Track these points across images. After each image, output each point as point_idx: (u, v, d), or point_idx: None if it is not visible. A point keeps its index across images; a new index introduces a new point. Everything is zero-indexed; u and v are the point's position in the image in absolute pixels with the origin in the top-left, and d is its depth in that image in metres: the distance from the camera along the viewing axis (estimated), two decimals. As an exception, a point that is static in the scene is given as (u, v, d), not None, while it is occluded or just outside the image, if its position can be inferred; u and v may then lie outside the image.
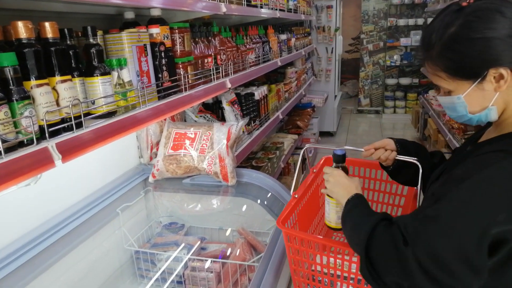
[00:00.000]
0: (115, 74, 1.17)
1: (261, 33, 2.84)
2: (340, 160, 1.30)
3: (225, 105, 2.34)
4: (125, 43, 1.21)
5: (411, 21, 7.37)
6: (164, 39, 1.46)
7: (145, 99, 1.27)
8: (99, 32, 1.22)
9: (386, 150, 1.34)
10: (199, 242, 1.99)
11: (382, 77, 7.87)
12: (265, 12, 2.63)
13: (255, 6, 2.45)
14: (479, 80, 0.90)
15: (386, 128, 7.20)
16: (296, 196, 1.56)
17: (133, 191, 2.05)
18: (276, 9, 3.02)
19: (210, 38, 1.93)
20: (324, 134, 6.49)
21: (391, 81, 7.77)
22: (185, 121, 2.42)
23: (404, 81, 7.64)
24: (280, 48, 3.31)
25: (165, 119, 2.16)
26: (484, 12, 0.88)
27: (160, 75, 1.41)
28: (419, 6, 7.36)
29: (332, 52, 6.28)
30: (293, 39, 3.88)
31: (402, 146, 1.33)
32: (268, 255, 1.57)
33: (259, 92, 2.74)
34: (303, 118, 4.54)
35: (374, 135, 6.74)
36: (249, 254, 1.83)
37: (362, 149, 1.38)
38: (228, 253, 1.87)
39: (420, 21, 7.32)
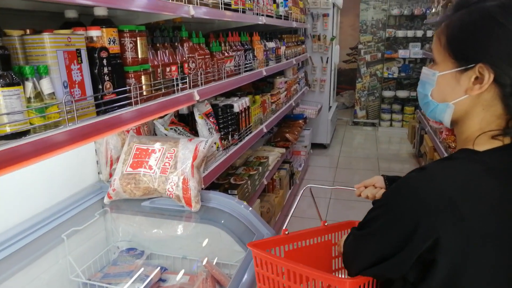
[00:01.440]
0: (29, 84, 0.94)
1: (244, 40, 2.63)
2: None
3: (197, 117, 2.12)
4: (47, 47, 0.99)
5: (410, 33, 7.19)
6: (109, 43, 1.23)
7: (74, 115, 1.05)
8: (16, 33, 1.00)
9: (375, 187, 1.27)
10: (158, 273, 1.76)
11: (379, 89, 7.67)
12: (247, 18, 2.42)
13: (236, 10, 2.24)
14: (463, 68, 0.83)
15: (381, 141, 6.99)
16: (287, 233, 1.34)
17: (86, 212, 1.83)
18: (262, 15, 2.81)
19: (176, 44, 1.71)
20: (317, 146, 6.27)
21: (388, 94, 7.57)
22: (154, 134, 2.20)
23: (402, 94, 7.44)
24: (266, 56, 3.10)
25: (127, 131, 1.94)
26: None
27: (100, 86, 1.19)
28: (418, 18, 7.19)
29: (327, 62, 6.08)
30: (283, 48, 3.67)
31: (392, 183, 1.24)
32: (231, 294, 1.35)
33: (239, 104, 2.52)
34: (293, 130, 4.32)
35: (369, 148, 6.53)
36: (210, 292, 1.60)
37: (354, 188, 1.34)
38: (188, 289, 1.64)
39: (419, 33, 7.14)
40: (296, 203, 1.44)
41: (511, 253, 0.77)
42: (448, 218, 0.75)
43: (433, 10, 5.42)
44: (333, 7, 5.94)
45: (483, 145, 0.83)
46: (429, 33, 6.96)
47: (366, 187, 1.30)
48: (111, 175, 1.95)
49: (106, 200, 1.83)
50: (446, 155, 3.59)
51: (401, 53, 7.24)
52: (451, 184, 0.77)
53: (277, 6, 3.32)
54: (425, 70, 0.93)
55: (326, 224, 1.44)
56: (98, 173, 2.00)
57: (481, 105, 0.84)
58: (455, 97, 0.86)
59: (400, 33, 7.24)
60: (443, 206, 0.75)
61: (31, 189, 1.63)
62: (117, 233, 1.96)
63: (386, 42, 7.43)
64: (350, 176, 5.22)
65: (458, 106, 0.86)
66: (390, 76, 7.48)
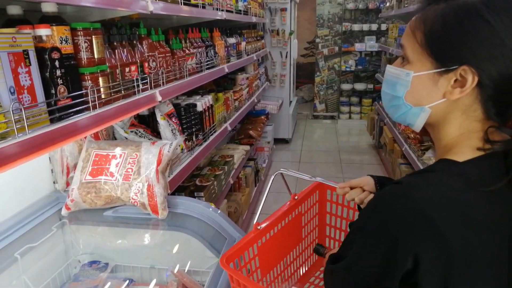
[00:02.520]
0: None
1: (204, 36, 2.54)
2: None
3: (159, 119, 2.01)
4: (-12, 49, 0.87)
5: (365, 26, 7.35)
6: (61, 43, 1.12)
7: (24, 124, 0.94)
8: (-50, 33, 0.87)
9: (364, 190, 1.14)
10: (124, 285, 1.66)
11: (338, 82, 7.80)
12: (207, 13, 2.33)
13: (195, 5, 2.15)
14: (443, 69, 0.75)
15: (341, 134, 7.11)
16: (260, 227, 1.28)
17: (42, 226, 1.68)
18: (222, 10, 2.73)
19: (135, 42, 1.60)
20: (280, 141, 6.28)
21: (346, 86, 7.71)
22: (114, 137, 2.07)
23: (359, 86, 7.60)
24: (228, 52, 3.02)
25: (85, 137, 1.80)
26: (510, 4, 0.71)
27: (53, 91, 1.08)
28: (372, 12, 7.35)
29: (286, 57, 6.08)
30: (243, 43, 3.60)
31: (383, 186, 1.12)
32: (205, 304, 1.28)
33: (202, 103, 2.43)
34: (256, 127, 4.28)
35: (330, 141, 6.62)
36: (183, 303, 1.52)
37: (337, 185, 1.22)
38: (158, 301, 1.56)
39: (374, 27, 7.31)
40: (267, 190, 1.38)
41: (498, 272, 0.72)
42: (427, 235, 0.69)
43: (387, 4, 5.55)
44: (291, 1, 5.94)
45: (465, 154, 0.77)
46: (384, 27, 7.13)
47: (352, 188, 1.16)
48: (68, 184, 1.81)
49: (63, 211, 1.69)
50: (405, 145, 3.69)
51: (358, 46, 7.38)
52: (429, 201, 0.70)
53: (236, 1, 3.25)
54: (392, 69, 0.84)
55: (296, 197, 1.42)
56: (54, 182, 1.85)
57: (460, 109, 0.78)
58: (431, 100, 0.78)
59: (356, 27, 7.38)
60: (421, 225, 0.69)
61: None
62: (77, 246, 1.83)
63: (343, 36, 7.55)
64: (312, 170, 5.26)
65: (434, 110, 0.79)
66: (347, 69, 7.62)
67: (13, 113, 0.91)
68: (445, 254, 0.69)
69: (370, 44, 7.29)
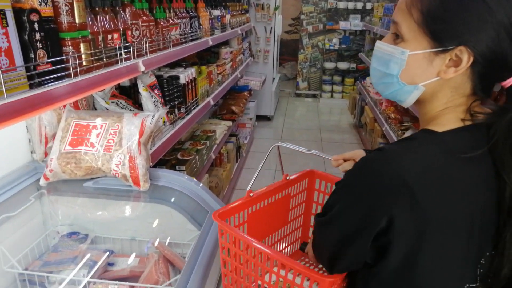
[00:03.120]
0: None
1: (189, 7, 2.47)
2: None
3: (141, 90, 1.97)
4: (-37, 7, 0.82)
5: (350, 5, 7.29)
6: (40, 4, 1.07)
7: (2, 88, 0.90)
8: None
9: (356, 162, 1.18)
10: (104, 257, 1.65)
11: (321, 61, 7.77)
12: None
13: (181, -27, 2.07)
14: (441, 49, 0.76)
15: (323, 112, 7.15)
16: (252, 195, 1.32)
17: (20, 196, 1.65)
18: (208, -20, 2.65)
19: (117, 8, 1.54)
20: (261, 118, 6.27)
21: (329, 65, 7.70)
22: (94, 108, 2.02)
23: (342, 65, 7.60)
24: (212, 25, 2.95)
25: (64, 106, 1.75)
26: None
27: (32, 55, 1.03)
28: (358, -10, 7.30)
29: (271, 32, 6.00)
30: (228, 16, 3.52)
31: None
32: (187, 276, 1.29)
33: (185, 75, 2.39)
34: (238, 103, 4.25)
35: (312, 119, 6.65)
36: (164, 274, 1.53)
37: (331, 158, 1.24)
38: (139, 272, 1.56)
39: (359, 5, 7.26)
40: (263, 161, 1.40)
41: (468, 235, 0.76)
42: (403, 200, 0.73)
43: (374, -17, 5.51)
44: (277, -25, 5.83)
45: (446, 125, 0.80)
46: (369, 6, 7.10)
47: (345, 160, 1.19)
48: (46, 154, 1.77)
49: (42, 181, 1.66)
50: (386, 125, 3.74)
51: (342, 24, 7.34)
52: (407, 167, 0.73)
53: (222, -28, 3.16)
54: (385, 46, 0.84)
55: (288, 178, 1.44)
56: (31, 152, 1.81)
57: (450, 87, 0.80)
58: (425, 79, 0.80)
59: (341, 5, 7.32)
60: (398, 189, 0.73)
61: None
62: (56, 217, 1.81)
63: (328, 14, 7.48)
64: (294, 147, 5.29)
65: (426, 87, 0.81)
66: (331, 47, 7.59)
67: (-10, 77, 0.87)
68: (419, 216, 0.73)
69: (354, 23, 7.26)
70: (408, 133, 3.31)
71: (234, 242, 1.11)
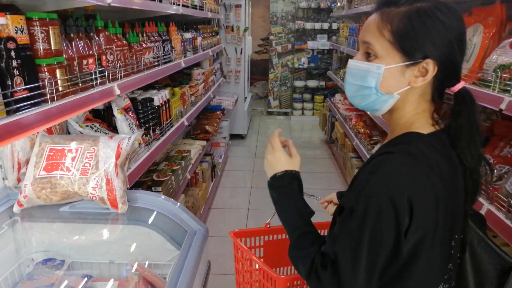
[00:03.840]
0: None
1: (161, 31, 2.52)
2: None
3: (116, 113, 1.98)
4: None
5: (317, 25, 7.55)
6: (16, 32, 1.09)
7: (-19, 116, 0.91)
8: None
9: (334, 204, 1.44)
10: (83, 283, 1.63)
11: (291, 79, 7.96)
12: (164, 7, 2.32)
13: (153, -1, 2.13)
14: (411, 62, 0.89)
15: (295, 129, 7.28)
16: (269, 226, 1.49)
17: (-8, 224, 1.62)
18: (179, 5, 2.72)
19: (92, 34, 1.57)
20: (235, 137, 6.32)
21: (299, 83, 7.88)
22: (68, 132, 2.02)
23: (312, 83, 7.80)
24: (184, 47, 3.01)
25: (37, 132, 1.74)
26: (455, 7, 0.89)
27: (9, 82, 1.05)
28: (324, 11, 7.56)
29: (241, 53, 6.12)
30: (199, 38, 3.60)
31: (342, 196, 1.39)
32: (167, 296, 1.30)
33: (159, 97, 2.42)
34: (212, 122, 4.29)
35: (284, 136, 6.56)
36: (144, 296, 1.53)
37: (318, 199, 1.50)
38: (118, 296, 1.55)
39: (326, 26, 7.52)
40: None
41: (452, 218, 0.89)
42: (423, 188, 0.84)
43: (338, 4, 5.75)
44: (245, -3, 5.98)
45: (426, 128, 0.93)
46: (335, 26, 7.36)
47: (328, 202, 1.45)
48: (19, 180, 1.75)
49: (15, 208, 1.63)
50: (356, 140, 3.86)
51: (310, 44, 7.57)
52: (420, 163, 0.85)
53: (192, -4, 3.24)
54: (359, 63, 0.95)
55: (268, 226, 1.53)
56: (3, 179, 1.78)
57: (417, 93, 0.93)
58: (398, 88, 0.92)
59: (308, 25, 7.56)
60: (418, 181, 0.84)
61: None
62: (30, 244, 1.77)
63: (296, 34, 7.71)
64: (269, 165, 5.34)
65: (400, 95, 0.93)
66: (300, 66, 7.79)
67: (-31, 104, 0.88)
68: (435, 198, 0.85)
69: (322, 43, 7.50)
70: (377, 147, 3.43)
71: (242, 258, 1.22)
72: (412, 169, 0.84)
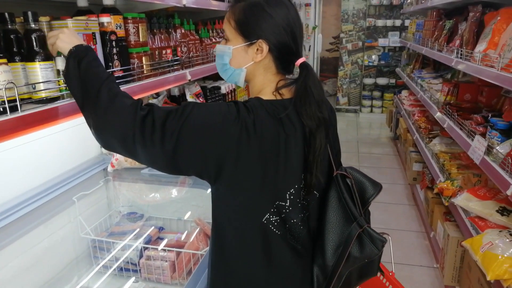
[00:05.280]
0: (59, 59, 1.18)
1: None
2: None
3: (189, 97, 2.36)
4: (71, 31, 1.22)
5: (389, 22, 7.49)
6: (116, 28, 1.47)
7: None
8: (44, 19, 1.23)
9: None
10: (156, 231, 2.02)
11: (360, 77, 7.98)
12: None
13: (222, 0, 2.47)
14: (248, 43, 1.14)
15: (362, 127, 7.31)
16: None
17: (92, 180, 2.07)
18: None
19: (170, 30, 1.94)
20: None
21: (368, 81, 7.88)
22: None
23: (382, 81, 7.76)
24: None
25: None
26: (282, 1, 1.14)
27: (110, 64, 1.43)
28: (397, 8, 7.48)
29: (309, 50, 6.34)
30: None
31: None
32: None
33: (226, 86, 2.77)
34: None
35: (351, 133, 6.84)
36: (203, 244, 1.87)
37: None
38: (183, 243, 1.90)
39: (398, 22, 7.44)
40: None
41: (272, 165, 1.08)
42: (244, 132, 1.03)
43: (409, 0, 5.71)
44: (315, -3, 6.19)
45: (266, 95, 1.14)
46: (407, 22, 7.25)
47: None
48: (112, 148, 2.19)
49: (109, 169, 2.07)
50: (416, 134, 3.91)
51: (381, 41, 7.54)
52: (254, 107, 1.06)
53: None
54: (220, 47, 1.21)
55: None
56: (100, 147, 2.24)
57: (262, 67, 1.16)
58: (245, 63, 1.16)
59: (380, 22, 7.53)
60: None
61: (45, 159, 1.86)
62: (118, 200, 2.21)
63: (367, 31, 7.72)
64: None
65: (248, 70, 1.17)
66: (370, 64, 7.78)
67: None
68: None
69: (393, 40, 7.43)
70: (435, 141, 3.47)
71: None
72: (228, 105, 1.06)
